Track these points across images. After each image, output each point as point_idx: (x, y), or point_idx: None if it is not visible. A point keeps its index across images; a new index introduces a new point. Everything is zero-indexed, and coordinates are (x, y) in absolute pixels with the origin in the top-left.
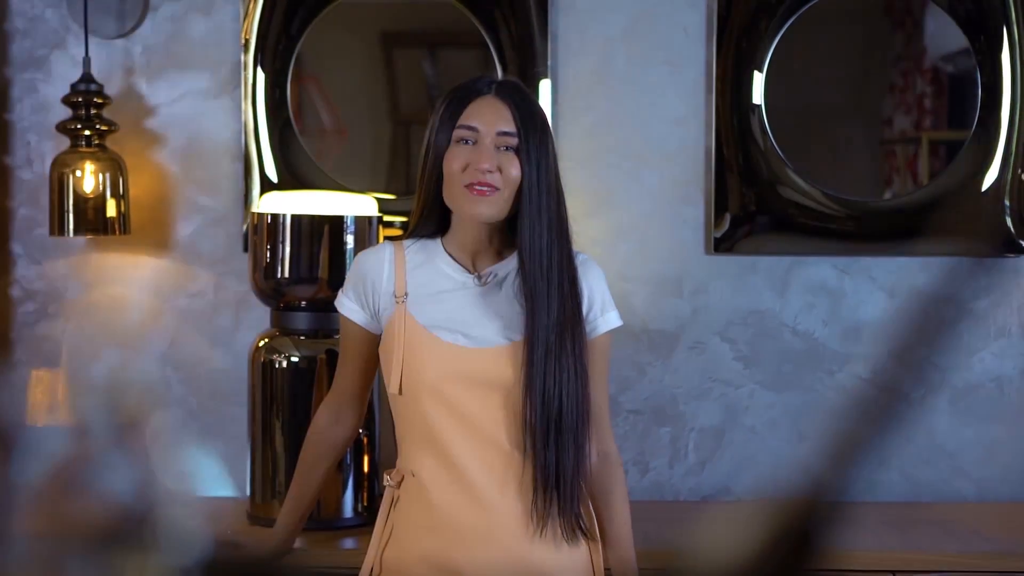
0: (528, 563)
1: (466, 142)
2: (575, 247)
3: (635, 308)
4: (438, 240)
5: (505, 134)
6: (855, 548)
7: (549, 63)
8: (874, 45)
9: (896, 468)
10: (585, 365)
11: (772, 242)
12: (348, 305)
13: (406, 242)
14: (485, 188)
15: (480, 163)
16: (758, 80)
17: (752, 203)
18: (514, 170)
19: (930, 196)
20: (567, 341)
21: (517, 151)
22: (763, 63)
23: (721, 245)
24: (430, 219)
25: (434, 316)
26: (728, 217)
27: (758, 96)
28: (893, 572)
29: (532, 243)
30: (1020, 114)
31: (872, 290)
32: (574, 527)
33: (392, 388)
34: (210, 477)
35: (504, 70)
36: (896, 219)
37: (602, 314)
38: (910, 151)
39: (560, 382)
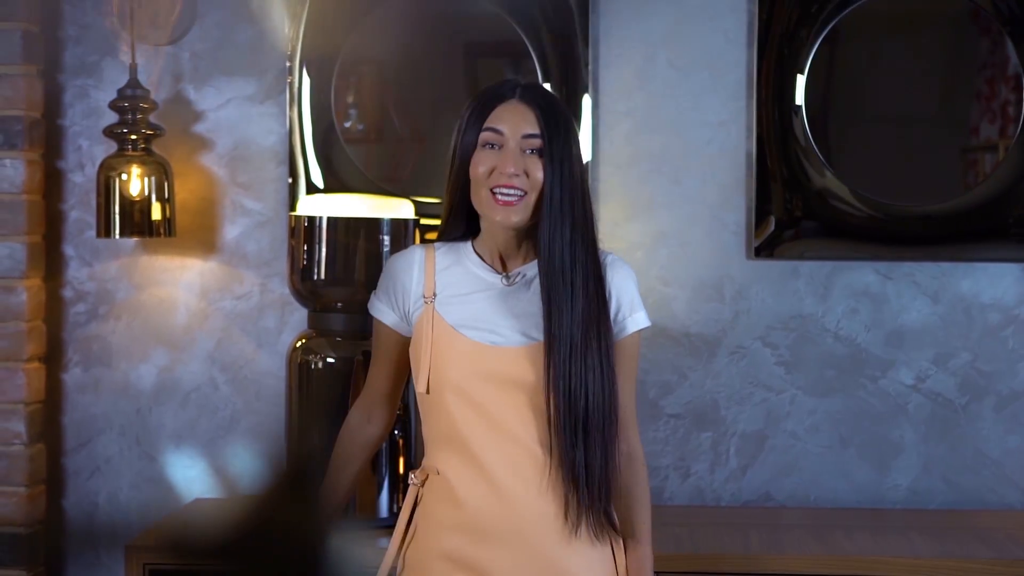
0: (554, 562)
1: (492, 146)
2: (613, 250)
3: (676, 313)
4: (468, 242)
5: (530, 136)
6: (886, 555)
7: (590, 68)
8: (920, 50)
9: (940, 476)
10: (612, 364)
11: (814, 246)
12: (379, 307)
13: (436, 244)
14: (511, 196)
15: (506, 167)
16: (800, 83)
17: (796, 207)
18: (539, 173)
19: (975, 201)
20: (592, 340)
21: (541, 153)
22: (804, 66)
23: (763, 250)
24: (458, 222)
25: (462, 315)
26: (772, 220)
27: (800, 98)
28: None
29: (552, 243)
30: None
31: (915, 295)
32: (603, 525)
33: (420, 387)
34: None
35: (546, 76)
36: (940, 224)
37: (630, 314)
38: (974, 156)
39: (586, 381)
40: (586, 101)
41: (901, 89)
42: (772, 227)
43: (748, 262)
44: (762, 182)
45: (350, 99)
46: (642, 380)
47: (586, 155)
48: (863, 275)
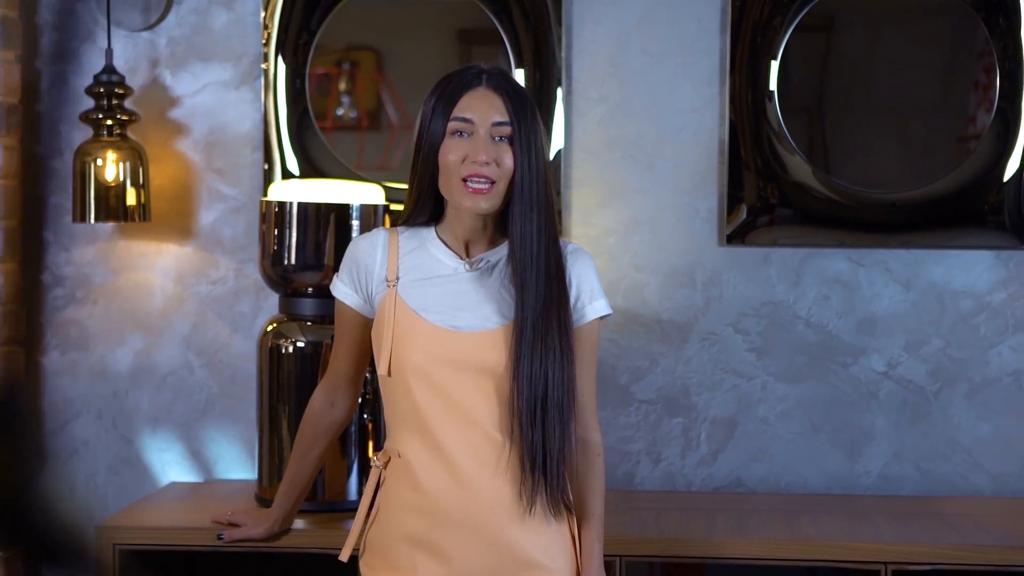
0: (511, 545)
1: (461, 134)
2: (586, 236)
3: (648, 299)
4: (432, 227)
5: (499, 124)
6: (850, 540)
7: (563, 55)
8: (892, 37)
9: (911, 462)
10: (571, 346)
11: (787, 234)
12: (341, 289)
13: (400, 228)
14: (482, 184)
15: (478, 155)
16: (774, 69)
17: (769, 194)
18: (509, 160)
19: (949, 187)
20: (552, 322)
21: (511, 140)
22: (778, 52)
23: (735, 236)
24: (424, 207)
25: (424, 300)
26: (744, 207)
27: (773, 84)
28: (885, 564)
29: (524, 229)
30: None
31: (887, 282)
32: (559, 503)
33: (382, 370)
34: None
35: (519, 63)
36: (912, 211)
37: (590, 302)
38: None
39: (545, 362)
40: (559, 88)
41: (875, 76)
42: (744, 214)
43: (720, 249)
44: (735, 169)
45: (326, 85)
46: (614, 366)
47: (559, 142)
48: (835, 262)
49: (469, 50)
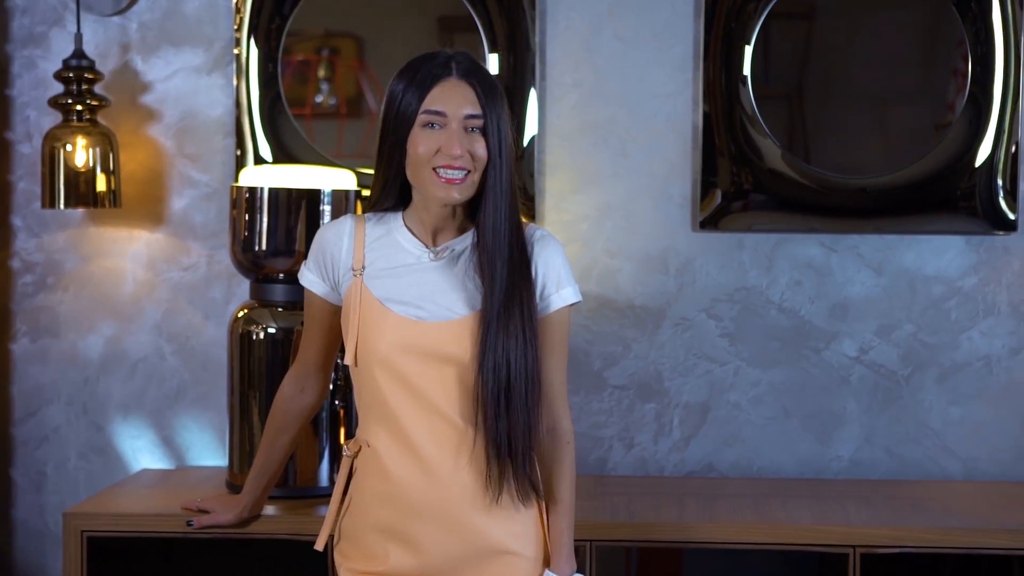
0: (480, 534)
1: (433, 126)
2: (558, 222)
3: (621, 285)
4: (399, 214)
5: (472, 116)
6: (819, 523)
7: (537, 40)
8: (865, 23)
9: (882, 447)
10: (535, 333)
11: (760, 219)
12: (309, 277)
13: (367, 216)
14: (456, 174)
15: (452, 149)
16: (747, 53)
17: (744, 180)
18: (482, 150)
19: (921, 173)
20: (515, 309)
21: (483, 130)
22: (752, 37)
23: (708, 222)
24: (390, 193)
25: (389, 290)
26: (718, 193)
27: (747, 68)
28: (854, 547)
29: (495, 221)
30: (1013, 88)
31: (859, 267)
32: (526, 490)
33: (348, 359)
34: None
35: (492, 48)
36: (884, 196)
37: (557, 290)
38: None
39: (508, 350)
40: (533, 73)
41: (855, 64)
42: (718, 199)
43: (693, 234)
44: (708, 155)
45: (304, 71)
46: (587, 351)
47: (532, 127)
48: (807, 247)
49: (450, 37)
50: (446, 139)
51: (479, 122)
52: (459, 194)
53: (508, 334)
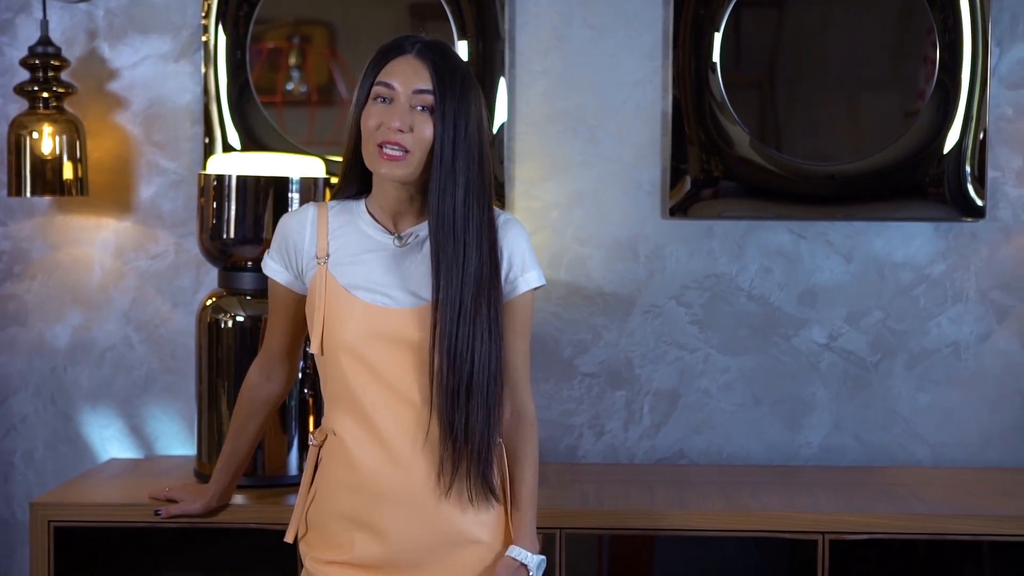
0: (447, 520)
1: (383, 100)
2: (528, 209)
3: (591, 272)
4: (361, 201)
5: (421, 92)
6: (788, 510)
7: (506, 27)
8: (835, 10)
9: (851, 433)
10: (500, 329)
11: (731, 206)
12: (272, 266)
13: (330, 203)
14: (395, 151)
15: (391, 121)
16: (717, 40)
17: (713, 167)
18: (427, 130)
19: (890, 160)
20: (483, 304)
21: (432, 110)
22: (721, 24)
23: (677, 209)
24: (352, 178)
25: (354, 276)
26: (688, 180)
27: (716, 56)
28: (823, 533)
29: (443, 203)
30: (980, 75)
31: (828, 254)
32: (483, 489)
33: (314, 348)
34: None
35: (461, 35)
36: (852, 183)
37: (522, 274)
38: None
39: (473, 345)
40: (502, 60)
41: (826, 51)
42: (688, 187)
43: (663, 221)
44: (678, 142)
45: (276, 59)
46: (557, 339)
47: (502, 115)
48: (777, 234)
49: (422, 25)
50: (389, 112)
51: (428, 99)
52: (400, 171)
53: (474, 329)
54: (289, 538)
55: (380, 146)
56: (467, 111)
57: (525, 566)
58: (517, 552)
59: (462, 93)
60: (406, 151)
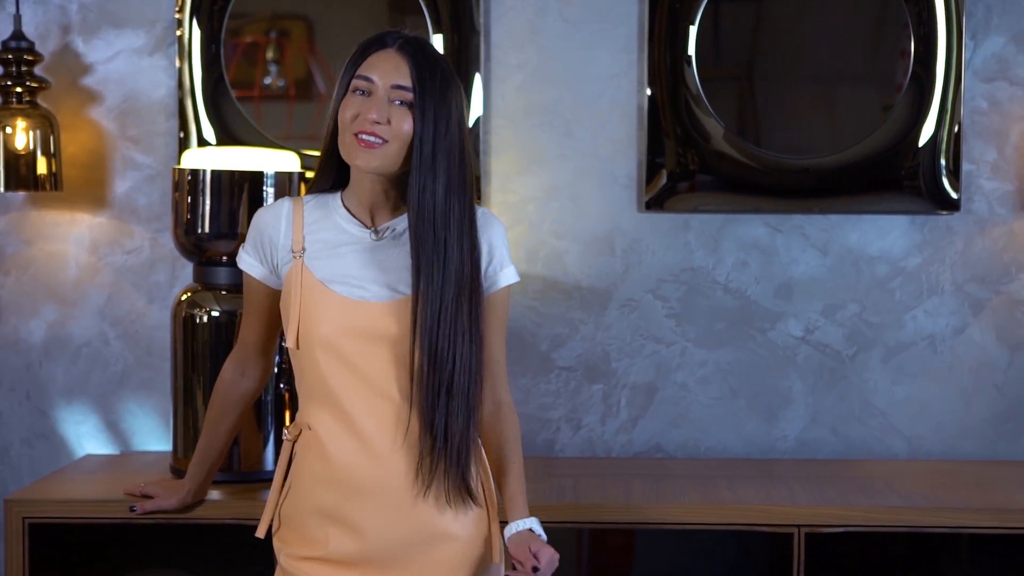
0: (423, 515)
1: (361, 92)
2: (504, 203)
3: (567, 266)
4: (337, 194)
5: (399, 87)
6: (765, 503)
7: (481, 20)
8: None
9: (828, 426)
10: (481, 329)
11: (707, 200)
12: (247, 260)
13: (306, 197)
14: (372, 139)
15: (369, 112)
16: (692, 33)
17: (689, 161)
18: (405, 124)
19: (866, 153)
20: (464, 303)
21: (411, 106)
22: (696, 17)
23: (654, 203)
24: (328, 171)
25: (330, 270)
26: (664, 174)
27: (691, 49)
28: (799, 526)
29: (423, 198)
30: (955, 68)
31: (804, 247)
32: (461, 491)
33: (290, 343)
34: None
35: (437, 28)
36: (828, 177)
37: (501, 269)
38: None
39: (455, 344)
40: (478, 54)
41: (804, 45)
42: (664, 180)
43: (639, 215)
44: (654, 135)
45: (253, 53)
46: (534, 333)
47: (477, 108)
48: (753, 228)
49: (402, 20)
50: (366, 104)
51: (407, 95)
52: (376, 160)
53: (456, 328)
54: (260, 533)
55: (356, 135)
56: (447, 108)
57: (532, 531)
58: (520, 524)
59: (442, 90)
60: (383, 140)
